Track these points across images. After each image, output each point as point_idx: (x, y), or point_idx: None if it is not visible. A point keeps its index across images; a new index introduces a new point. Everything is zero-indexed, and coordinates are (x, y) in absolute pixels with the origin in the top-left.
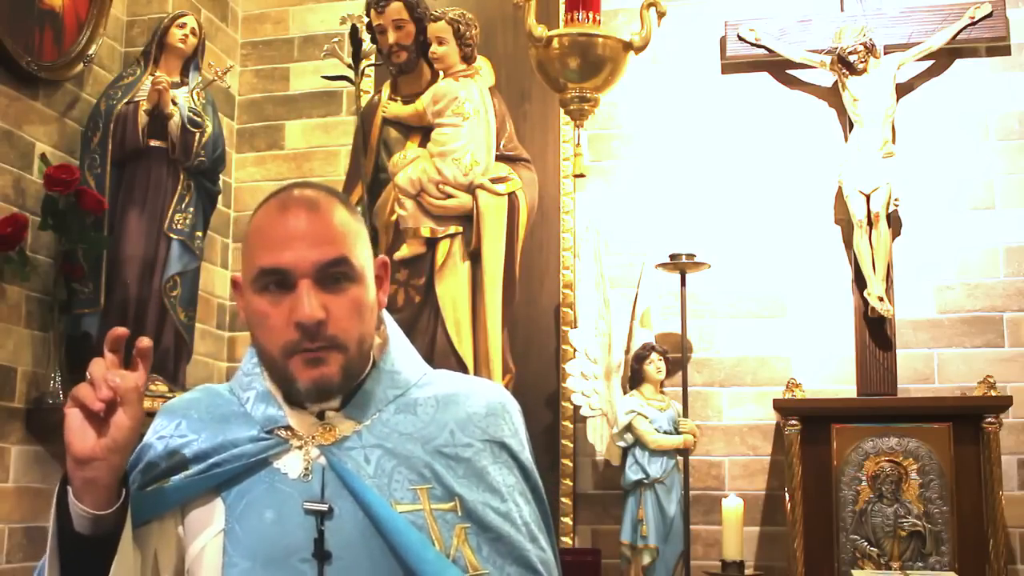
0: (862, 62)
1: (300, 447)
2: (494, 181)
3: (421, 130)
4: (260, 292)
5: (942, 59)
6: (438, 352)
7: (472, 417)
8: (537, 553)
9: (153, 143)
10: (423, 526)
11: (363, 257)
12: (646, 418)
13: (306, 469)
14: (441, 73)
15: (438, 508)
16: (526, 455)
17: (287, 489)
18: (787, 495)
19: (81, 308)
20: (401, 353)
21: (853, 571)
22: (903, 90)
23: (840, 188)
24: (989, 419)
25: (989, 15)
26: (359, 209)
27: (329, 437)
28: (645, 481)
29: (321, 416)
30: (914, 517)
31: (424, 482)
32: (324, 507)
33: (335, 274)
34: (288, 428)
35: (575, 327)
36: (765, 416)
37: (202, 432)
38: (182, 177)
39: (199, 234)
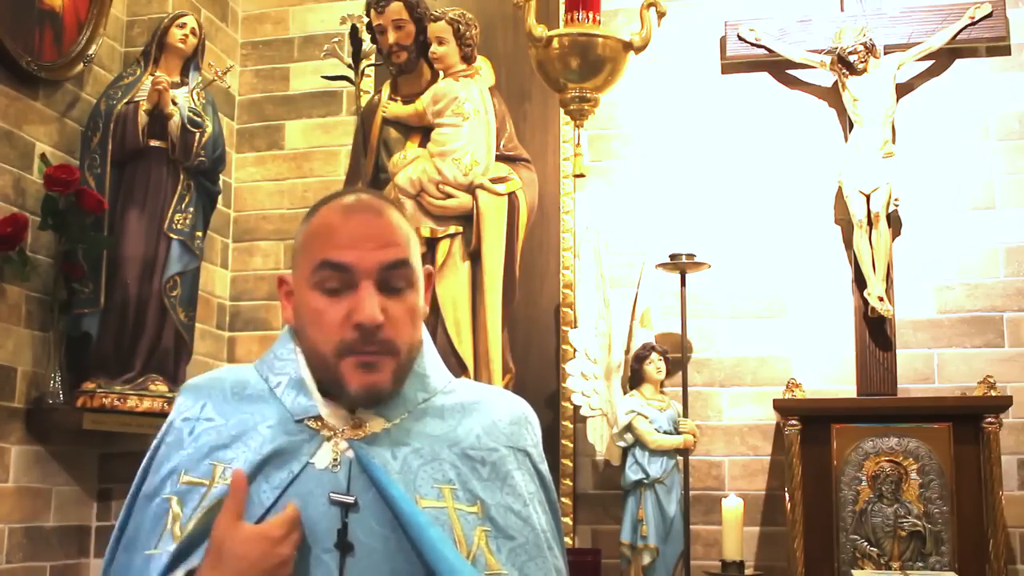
0: (862, 62)
1: (329, 438)
2: (494, 181)
3: (421, 130)
4: (316, 288)
5: (942, 59)
6: (438, 352)
7: (497, 424)
8: (553, 561)
9: (153, 143)
10: (446, 522)
11: (418, 264)
12: (646, 418)
13: (334, 460)
14: (441, 73)
15: (461, 508)
16: (545, 467)
17: (313, 479)
18: (787, 495)
19: (81, 308)
20: (431, 359)
21: (853, 571)
22: (903, 90)
23: (840, 188)
24: (989, 419)
25: (989, 15)
26: None
27: (359, 432)
28: (645, 481)
29: (352, 411)
30: (914, 517)
31: (449, 482)
32: (351, 499)
33: (395, 277)
34: (318, 418)
35: (575, 327)
36: (765, 416)
37: (228, 416)
38: (182, 177)
39: (199, 234)
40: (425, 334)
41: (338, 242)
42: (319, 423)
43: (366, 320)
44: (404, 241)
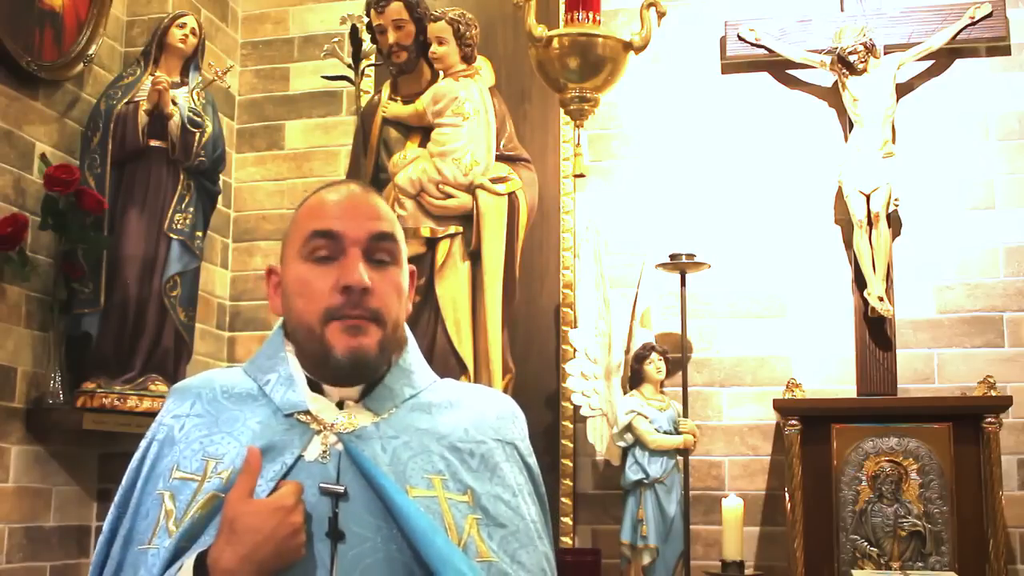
0: (862, 62)
1: (319, 432)
2: (494, 181)
3: (421, 130)
4: (306, 259)
5: (942, 59)
6: (438, 352)
7: (484, 418)
8: (543, 549)
9: (153, 143)
10: (437, 511)
11: (403, 246)
12: (646, 418)
13: (324, 452)
14: (441, 73)
15: (452, 497)
16: (533, 460)
17: (304, 471)
18: (787, 495)
19: (81, 308)
20: (416, 358)
21: (853, 571)
22: (903, 90)
23: (840, 188)
24: (989, 419)
25: (989, 15)
26: None
27: (348, 426)
28: (645, 481)
29: (341, 405)
30: (914, 517)
31: (439, 472)
32: (340, 489)
33: (382, 249)
34: (307, 413)
35: (575, 327)
36: (765, 416)
37: (217, 414)
38: (182, 177)
39: (199, 234)
40: (409, 333)
41: (326, 214)
42: (308, 417)
43: (354, 283)
44: (391, 220)
